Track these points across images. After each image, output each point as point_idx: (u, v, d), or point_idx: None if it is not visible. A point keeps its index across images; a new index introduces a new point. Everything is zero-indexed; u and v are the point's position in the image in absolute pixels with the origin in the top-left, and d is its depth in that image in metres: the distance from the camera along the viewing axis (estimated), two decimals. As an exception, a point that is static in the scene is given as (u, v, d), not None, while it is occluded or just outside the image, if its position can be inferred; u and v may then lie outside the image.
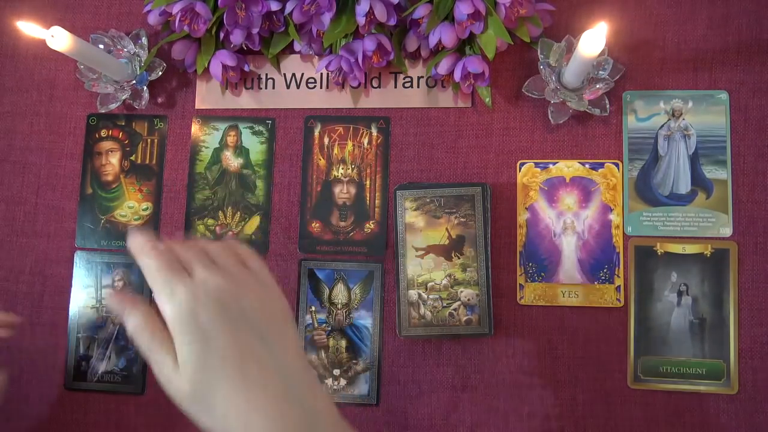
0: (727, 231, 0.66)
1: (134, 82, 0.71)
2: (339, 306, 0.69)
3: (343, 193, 0.70)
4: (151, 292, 0.42)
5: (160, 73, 0.71)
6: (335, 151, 0.71)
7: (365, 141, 0.71)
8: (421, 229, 0.67)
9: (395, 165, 0.70)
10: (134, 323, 0.43)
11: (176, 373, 0.41)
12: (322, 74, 0.72)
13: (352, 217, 0.70)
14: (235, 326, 0.42)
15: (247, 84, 0.73)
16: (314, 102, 0.72)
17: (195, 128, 0.73)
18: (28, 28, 0.62)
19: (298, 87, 0.72)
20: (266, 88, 0.72)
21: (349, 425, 0.43)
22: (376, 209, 0.70)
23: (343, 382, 0.68)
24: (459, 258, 0.66)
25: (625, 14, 0.69)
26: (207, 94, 0.73)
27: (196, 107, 0.73)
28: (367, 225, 0.70)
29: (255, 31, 0.68)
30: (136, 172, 0.73)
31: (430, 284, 0.66)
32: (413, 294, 0.66)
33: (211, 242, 0.47)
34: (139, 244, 0.44)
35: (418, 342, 0.67)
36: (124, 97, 0.71)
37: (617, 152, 0.68)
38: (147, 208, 0.72)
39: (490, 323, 0.65)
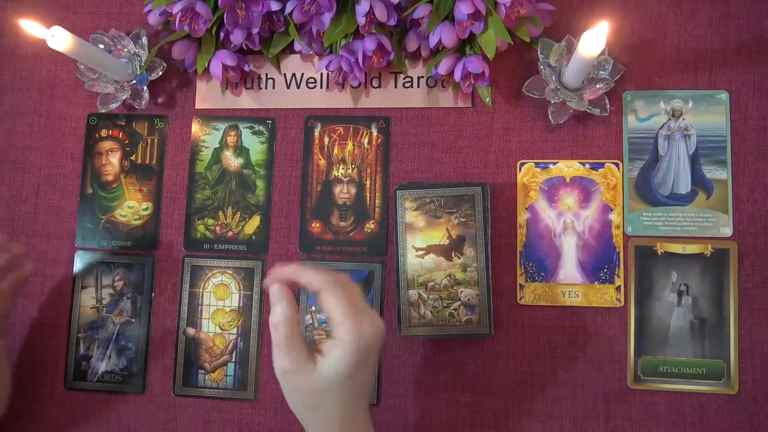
0: (727, 231, 0.66)
1: (134, 82, 0.71)
2: (339, 306, 0.69)
3: (343, 193, 0.70)
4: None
5: (160, 73, 0.71)
6: (335, 151, 0.71)
7: (365, 141, 0.71)
8: (421, 229, 0.67)
9: (395, 165, 0.70)
10: (286, 314, 0.52)
11: (311, 370, 0.50)
12: (322, 74, 0.72)
13: (352, 217, 0.70)
14: (371, 366, 0.53)
15: (247, 84, 0.73)
16: (314, 102, 0.72)
17: (195, 128, 0.73)
18: (30, 26, 0.62)
19: (298, 87, 0.72)
20: (266, 88, 0.72)
21: None
22: (376, 209, 0.70)
23: (343, 382, 0.67)
24: (459, 258, 0.66)
25: (625, 14, 0.69)
26: (207, 94, 0.73)
27: (196, 107, 0.73)
28: (367, 225, 0.70)
29: (255, 31, 0.68)
30: (136, 172, 0.73)
31: (430, 284, 0.66)
32: (413, 294, 0.66)
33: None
34: (325, 278, 0.52)
35: (418, 342, 0.67)
36: (124, 97, 0.71)
37: (617, 152, 0.68)
38: (147, 208, 0.72)
39: (490, 323, 0.65)
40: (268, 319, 0.52)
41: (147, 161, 0.73)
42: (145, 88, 0.71)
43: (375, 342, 0.52)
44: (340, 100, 0.72)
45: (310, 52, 0.72)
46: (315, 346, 0.52)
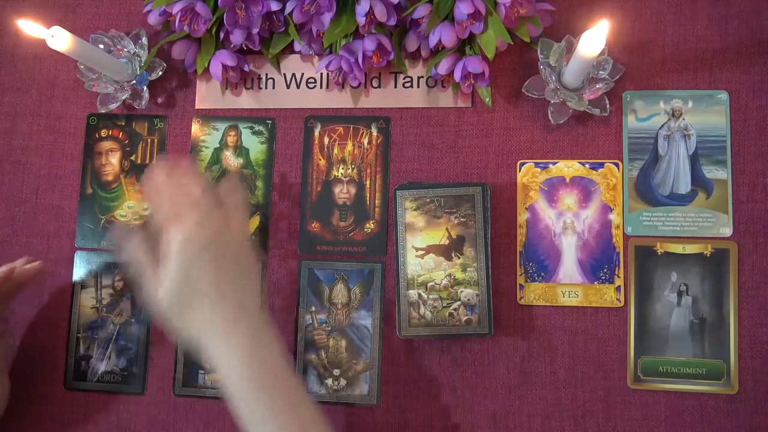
0: (727, 231, 0.66)
1: (134, 82, 0.71)
2: (339, 306, 0.69)
3: (343, 193, 0.70)
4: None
5: (160, 73, 0.71)
6: (335, 151, 0.71)
7: (365, 141, 0.71)
8: (421, 229, 0.67)
9: (395, 165, 0.70)
10: (132, 246, 0.54)
11: (160, 286, 0.52)
12: (322, 74, 0.72)
13: (352, 217, 0.70)
14: (214, 256, 0.53)
15: (247, 84, 0.73)
16: (314, 102, 0.72)
17: (195, 128, 0.73)
18: (29, 26, 0.62)
19: (298, 87, 0.72)
20: (266, 88, 0.72)
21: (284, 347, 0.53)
22: (376, 209, 0.70)
23: (343, 382, 0.68)
24: (459, 258, 0.66)
25: (625, 14, 0.69)
26: (207, 94, 0.73)
27: (196, 107, 0.73)
28: (367, 225, 0.70)
29: (255, 31, 0.68)
30: (136, 172, 0.73)
31: (430, 284, 0.66)
32: (413, 294, 0.66)
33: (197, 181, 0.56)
34: (155, 180, 0.56)
35: (418, 342, 0.67)
36: (124, 97, 0.71)
37: (617, 152, 0.68)
38: (147, 208, 0.72)
39: (490, 323, 0.65)
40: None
41: (147, 161, 0.73)
42: (145, 88, 0.71)
43: (209, 239, 0.53)
44: (340, 100, 0.72)
45: (310, 52, 0.72)
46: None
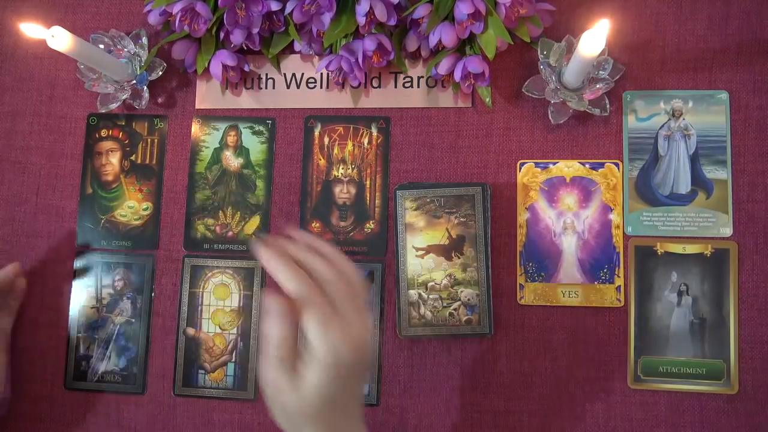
0: (727, 231, 0.66)
1: (134, 82, 0.71)
2: (339, 306, 0.68)
3: (343, 193, 0.70)
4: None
5: (160, 73, 0.71)
6: (335, 151, 0.71)
7: (365, 141, 0.71)
8: (421, 229, 0.67)
9: (395, 165, 0.70)
10: (281, 335, 0.48)
11: (295, 390, 0.48)
12: (322, 74, 0.72)
13: (352, 217, 0.70)
14: (355, 382, 0.51)
15: (247, 84, 0.73)
16: (314, 102, 0.72)
17: (195, 128, 0.73)
18: (30, 29, 0.62)
19: (298, 87, 0.72)
20: (266, 88, 0.72)
21: None
22: (376, 209, 0.70)
23: (343, 382, 0.67)
24: (459, 258, 0.66)
25: (625, 14, 0.69)
26: (207, 94, 0.73)
27: (196, 107, 0.73)
28: (367, 225, 0.70)
29: (255, 31, 0.68)
30: (136, 172, 0.73)
31: (430, 284, 0.66)
32: (413, 294, 0.66)
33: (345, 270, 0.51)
34: (275, 262, 0.50)
35: (418, 342, 0.67)
36: (124, 97, 0.71)
37: (617, 152, 0.68)
38: (147, 208, 0.72)
39: (490, 323, 0.65)
40: (263, 326, 0.49)
41: (147, 161, 0.73)
42: (145, 88, 0.71)
43: (355, 361, 0.49)
44: (340, 100, 0.72)
45: (310, 52, 0.72)
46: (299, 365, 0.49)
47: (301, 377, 0.48)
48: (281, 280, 0.49)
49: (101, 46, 0.71)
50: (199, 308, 0.70)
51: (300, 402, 0.48)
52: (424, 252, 0.67)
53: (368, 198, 0.70)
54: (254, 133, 0.72)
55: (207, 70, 0.70)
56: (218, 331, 0.70)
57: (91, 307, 0.71)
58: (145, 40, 0.72)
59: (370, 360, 0.53)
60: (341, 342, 0.48)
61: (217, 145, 0.72)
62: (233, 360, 0.69)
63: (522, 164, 0.69)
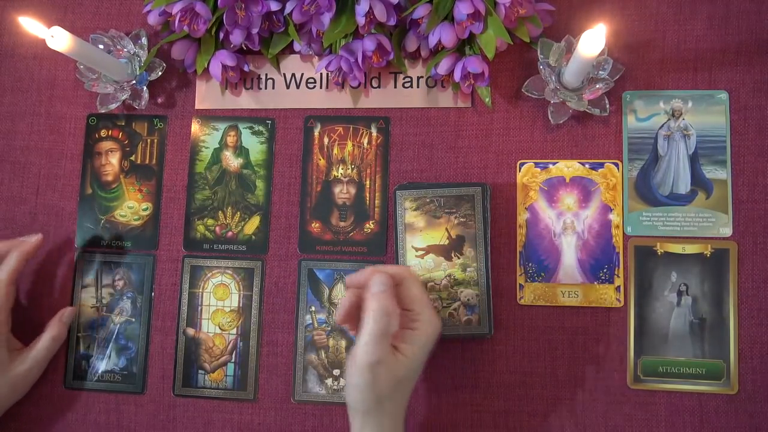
0: (727, 231, 0.66)
1: (134, 82, 0.71)
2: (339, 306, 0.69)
3: (343, 193, 0.70)
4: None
5: (160, 73, 0.71)
6: (335, 151, 0.71)
7: (365, 141, 0.71)
8: (421, 229, 0.67)
9: (395, 165, 0.70)
10: (388, 310, 0.54)
11: (396, 360, 0.55)
12: (321, 74, 0.72)
13: (352, 217, 0.70)
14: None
15: (246, 84, 0.73)
16: (314, 102, 0.72)
17: (195, 128, 0.73)
18: (29, 24, 0.62)
19: (298, 87, 0.72)
20: (266, 88, 0.72)
21: None
22: (376, 209, 0.70)
23: (343, 382, 0.67)
24: (459, 258, 0.66)
25: (625, 14, 0.69)
26: (207, 94, 0.73)
27: (196, 107, 0.73)
28: (367, 225, 0.70)
29: (255, 31, 0.68)
30: (136, 172, 0.73)
31: (430, 284, 0.66)
32: (413, 294, 0.66)
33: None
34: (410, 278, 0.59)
35: (418, 342, 0.67)
36: (124, 97, 0.71)
37: (617, 152, 0.68)
38: (147, 209, 0.72)
39: (490, 323, 0.65)
40: (369, 306, 0.54)
41: (147, 161, 0.73)
42: (145, 88, 0.71)
43: (437, 333, 0.58)
44: (340, 100, 0.72)
45: (310, 52, 0.72)
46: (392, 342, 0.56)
47: (402, 347, 0.56)
48: (377, 280, 0.56)
49: (101, 46, 0.71)
50: (199, 308, 0.70)
51: (402, 369, 0.55)
52: (423, 252, 0.67)
53: (368, 198, 0.70)
54: (254, 133, 0.72)
55: (207, 70, 0.70)
56: (218, 331, 0.70)
57: (91, 307, 0.71)
58: (144, 40, 0.72)
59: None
60: (435, 314, 0.58)
61: (217, 146, 0.72)
62: (233, 360, 0.69)
63: (522, 164, 0.69)
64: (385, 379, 0.54)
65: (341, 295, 0.69)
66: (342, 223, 0.70)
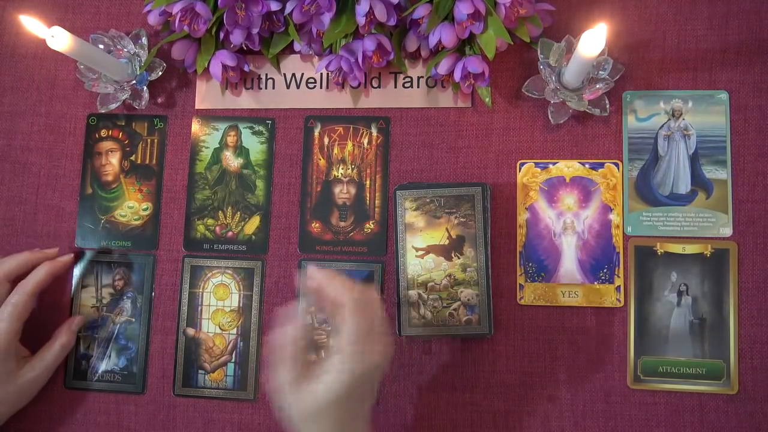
0: (727, 231, 0.66)
1: (134, 82, 0.71)
2: (339, 306, 0.68)
3: (343, 193, 0.70)
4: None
5: (160, 73, 0.71)
6: (335, 151, 0.71)
7: (365, 141, 0.71)
8: (421, 229, 0.67)
9: (395, 165, 0.70)
10: (294, 336, 0.55)
11: (305, 390, 0.53)
12: (322, 74, 0.72)
13: (352, 217, 0.70)
14: (370, 394, 0.56)
15: (247, 84, 0.73)
16: (314, 102, 0.72)
17: (195, 128, 0.73)
18: (30, 23, 0.62)
19: (298, 87, 0.72)
20: (266, 88, 0.72)
21: None
22: (376, 209, 0.70)
23: (343, 382, 0.67)
24: (459, 258, 0.66)
25: (625, 14, 0.69)
26: (207, 94, 0.73)
27: (196, 107, 0.73)
28: (367, 225, 0.70)
29: (255, 31, 0.68)
30: (136, 172, 0.73)
31: (430, 284, 0.66)
32: (413, 294, 0.66)
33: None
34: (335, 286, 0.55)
35: (418, 342, 0.67)
36: (124, 97, 0.71)
37: (617, 152, 0.68)
38: (147, 208, 0.72)
39: (490, 323, 0.65)
40: (272, 336, 0.55)
41: (147, 161, 0.73)
42: (145, 88, 0.71)
43: (374, 370, 0.54)
44: (340, 100, 0.72)
45: (310, 52, 0.72)
46: (311, 364, 0.54)
47: (314, 377, 0.53)
48: (329, 285, 0.55)
49: (101, 46, 0.71)
50: (199, 308, 0.70)
51: (310, 400, 0.52)
52: (424, 252, 0.67)
53: (368, 198, 0.70)
54: (254, 133, 0.72)
55: (207, 70, 0.70)
56: (218, 331, 0.70)
57: (91, 307, 0.71)
58: (144, 40, 0.72)
59: (382, 375, 0.57)
60: (368, 351, 0.53)
61: (217, 145, 0.72)
62: (233, 360, 0.69)
63: (522, 164, 0.69)
64: (298, 405, 0.54)
65: (341, 295, 0.69)
66: (342, 223, 0.70)
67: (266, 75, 0.73)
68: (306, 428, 0.54)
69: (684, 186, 0.67)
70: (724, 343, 0.64)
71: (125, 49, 0.71)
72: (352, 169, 0.71)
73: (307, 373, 0.53)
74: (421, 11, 0.64)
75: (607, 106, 0.67)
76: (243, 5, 0.66)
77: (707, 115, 0.67)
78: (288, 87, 0.72)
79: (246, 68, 0.71)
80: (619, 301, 0.66)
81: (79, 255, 0.72)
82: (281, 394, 0.54)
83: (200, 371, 0.69)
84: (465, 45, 0.67)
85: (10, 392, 0.65)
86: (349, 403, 0.53)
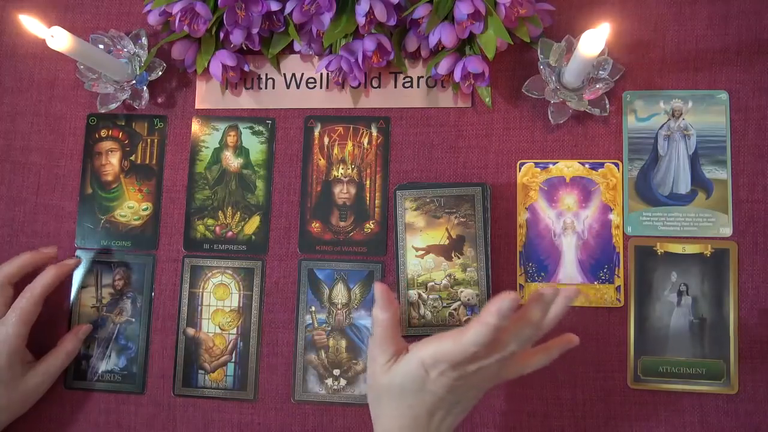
0: (727, 231, 0.66)
1: (134, 82, 0.71)
2: (339, 306, 0.69)
3: (343, 193, 0.70)
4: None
5: (160, 73, 0.71)
6: (335, 151, 0.71)
7: (365, 141, 0.71)
8: (421, 229, 0.67)
9: (395, 165, 0.70)
10: (387, 317, 0.55)
11: (384, 370, 0.54)
12: (322, 74, 0.72)
13: (352, 217, 0.70)
14: (443, 404, 0.54)
15: (247, 84, 0.73)
16: (314, 102, 0.72)
17: (195, 128, 0.73)
18: (30, 23, 0.62)
19: (298, 87, 0.72)
20: (266, 88, 0.72)
21: None
22: (376, 209, 0.70)
23: (343, 382, 0.68)
24: (459, 258, 0.66)
25: (625, 14, 0.69)
26: (207, 94, 0.73)
27: (196, 107, 0.73)
28: (367, 225, 0.70)
29: (255, 31, 0.68)
30: (136, 172, 0.73)
31: (430, 284, 0.66)
32: (413, 294, 0.66)
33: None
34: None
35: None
36: (124, 97, 0.71)
37: (617, 152, 0.68)
38: (147, 208, 0.72)
39: (490, 323, 0.65)
40: (373, 312, 0.56)
41: (147, 161, 0.73)
42: (145, 88, 0.71)
43: (470, 366, 0.52)
44: (340, 100, 0.72)
45: (310, 52, 0.72)
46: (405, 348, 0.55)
47: (395, 362, 0.54)
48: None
49: (101, 46, 0.71)
50: (199, 308, 0.70)
51: (380, 379, 0.55)
52: (423, 252, 0.67)
53: (368, 198, 0.70)
54: (254, 133, 0.72)
55: (207, 70, 0.70)
56: (218, 331, 0.70)
57: (91, 307, 0.71)
58: (144, 40, 0.72)
59: (469, 406, 0.57)
60: (454, 377, 0.52)
61: (217, 145, 0.72)
62: (233, 360, 0.69)
63: (522, 164, 0.69)
64: (372, 381, 0.57)
65: (341, 295, 0.69)
66: (342, 223, 0.70)
67: (266, 75, 0.73)
68: (373, 408, 0.57)
69: (684, 186, 0.67)
70: (724, 343, 0.64)
71: (125, 49, 0.71)
72: (352, 169, 0.71)
73: (391, 355, 0.55)
74: (421, 11, 0.64)
75: (607, 106, 0.67)
76: (243, 5, 0.66)
77: (707, 115, 0.67)
78: (288, 87, 0.72)
79: (246, 68, 0.71)
80: (619, 301, 0.66)
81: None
82: (368, 367, 0.57)
83: (200, 371, 0.69)
84: (465, 45, 0.67)
85: (14, 398, 0.65)
86: (407, 400, 0.54)
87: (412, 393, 0.53)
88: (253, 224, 0.71)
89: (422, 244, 0.67)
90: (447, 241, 0.66)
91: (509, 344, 0.52)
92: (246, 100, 0.73)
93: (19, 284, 0.67)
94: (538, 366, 0.57)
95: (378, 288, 0.55)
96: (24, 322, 0.64)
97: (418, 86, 0.71)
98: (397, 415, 0.54)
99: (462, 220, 0.66)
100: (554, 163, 0.68)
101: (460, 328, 0.51)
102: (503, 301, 0.48)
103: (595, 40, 0.57)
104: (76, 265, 0.70)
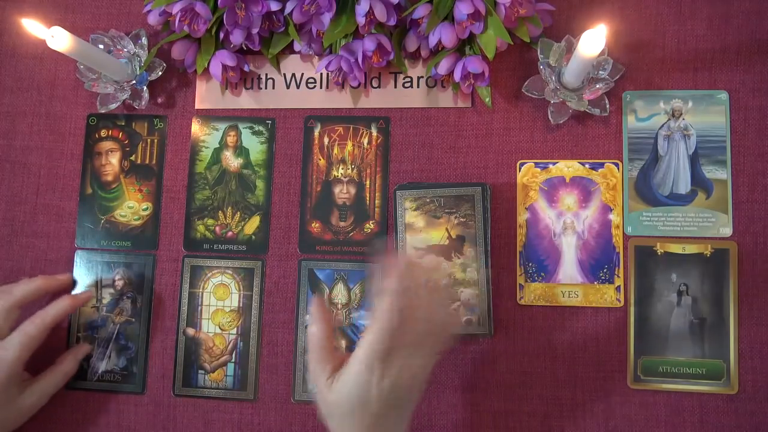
0: (727, 231, 0.66)
1: (134, 82, 0.71)
2: (339, 306, 0.69)
3: (343, 193, 0.70)
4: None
5: (160, 73, 0.71)
6: (335, 151, 0.71)
7: (365, 141, 0.71)
8: (421, 229, 0.67)
9: (395, 165, 0.70)
10: (315, 332, 0.55)
11: (328, 388, 0.53)
12: (322, 74, 0.72)
13: (352, 217, 0.70)
14: (395, 401, 0.52)
15: (247, 84, 0.73)
16: (314, 102, 0.72)
17: (195, 128, 0.73)
18: (30, 24, 0.62)
19: (298, 87, 0.72)
20: (266, 88, 0.72)
21: None
22: (376, 209, 0.70)
23: (343, 382, 0.67)
24: (459, 258, 0.66)
25: (625, 14, 0.69)
26: (207, 94, 0.73)
27: (196, 107, 0.73)
28: (367, 225, 0.70)
29: (255, 31, 0.68)
30: (136, 172, 0.73)
31: (430, 284, 0.66)
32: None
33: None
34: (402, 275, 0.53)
35: (418, 342, 0.67)
36: (124, 97, 0.71)
37: (617, 152, 0.68)
38: (147, 208, 0.72)
39: (490, 323, 0.65)
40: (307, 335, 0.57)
41: (147, 161, 0.73)
42: (145, 88, 0.71)
43: (402, 393, 0.53)
44: (340, 100, 0.72)
45: (310, 52, 0.72)
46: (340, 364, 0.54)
47: (336, 377, 0.53)
48: (394, 280, 0.52)
49: (101, 46, 0.71)
50: (199, 308, 0.70)
51: (324, 397, 0.53)
52: (424, 252, 0.67)
53: (368, 198, 0.70)
54: (254, 133, 0.72)
55: (207, 70, 0.70)
56: (218, 331, 0.70)
57: (91, 307, 0.71)
58: (144, 40, 0.72)
59: (418, 395, 0.55)
60: (377, 375, 0.51)
61: (217, 145, 0.72)
62: (233, 360, 0.69)
63: (522, 164, 0.69)
64: (319, 398, 0.55)
65: (341, 295, 0.69)
66: (342, 223, 0.70)
67: (266, 75, 0.73)
68: (327, 424, 0.55)
69: (684, 186, 0.67)
70: (724, 343, 0.64)
71: (125, 49, 0.71)
72: (352, 169, 0.71)
73: (330, 371, 0.53)
74: (421, 11, 0.64)
75: (607, 106, 0.67)
76: (243, 5, 0.66)
77: (707, 115, 0.67)
78: (288, 87, 0.72)
79: (246, 68, 0.71)
80: (619, 301, 0.66)
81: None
82: (316, 393, 0.55)
83: (200, 371, 0.69)
84: (465, 45, 0.67)
85: (9, 418, 0.64)
86: (354, 418, 0.52)
87: (360, 404, 0.52)
88: (253, 224, 0.71)
89: (422, 244, 0.67)
90: (447, 241, 0.66)
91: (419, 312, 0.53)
92: (246, 100, 0.73)
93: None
94: (448, 317, 0.58)
95: (313, 302, 0.55)
96: (28, 348, 0.63)
97: (418, 86, 0.71)
98: (353, 426, 0.53)
99: (462, 220, 0.66)
100: (554, 163, 0.68)
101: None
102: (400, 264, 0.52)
103: (594, 40, 0.57)
104: (90, 297, 0.70)
